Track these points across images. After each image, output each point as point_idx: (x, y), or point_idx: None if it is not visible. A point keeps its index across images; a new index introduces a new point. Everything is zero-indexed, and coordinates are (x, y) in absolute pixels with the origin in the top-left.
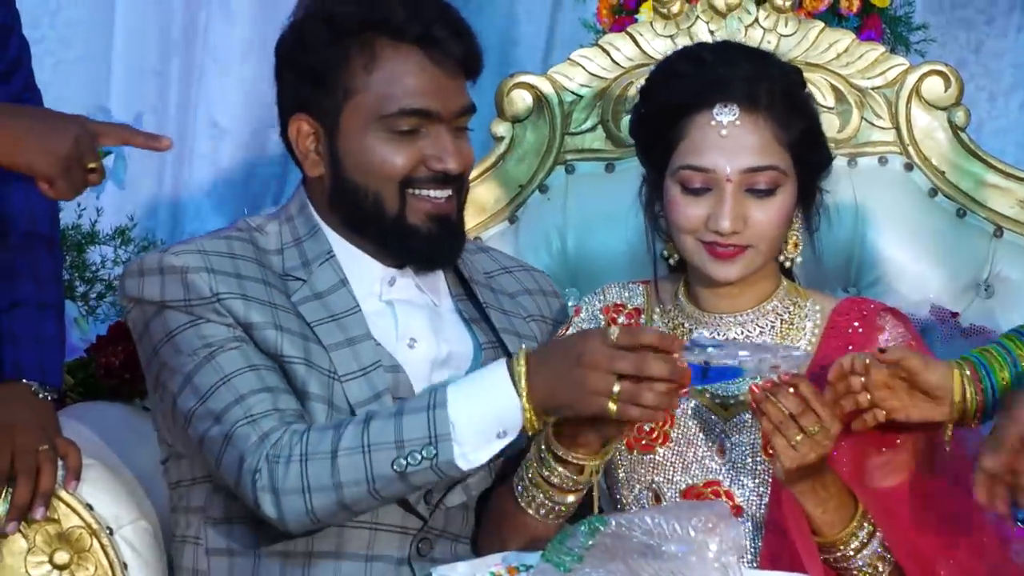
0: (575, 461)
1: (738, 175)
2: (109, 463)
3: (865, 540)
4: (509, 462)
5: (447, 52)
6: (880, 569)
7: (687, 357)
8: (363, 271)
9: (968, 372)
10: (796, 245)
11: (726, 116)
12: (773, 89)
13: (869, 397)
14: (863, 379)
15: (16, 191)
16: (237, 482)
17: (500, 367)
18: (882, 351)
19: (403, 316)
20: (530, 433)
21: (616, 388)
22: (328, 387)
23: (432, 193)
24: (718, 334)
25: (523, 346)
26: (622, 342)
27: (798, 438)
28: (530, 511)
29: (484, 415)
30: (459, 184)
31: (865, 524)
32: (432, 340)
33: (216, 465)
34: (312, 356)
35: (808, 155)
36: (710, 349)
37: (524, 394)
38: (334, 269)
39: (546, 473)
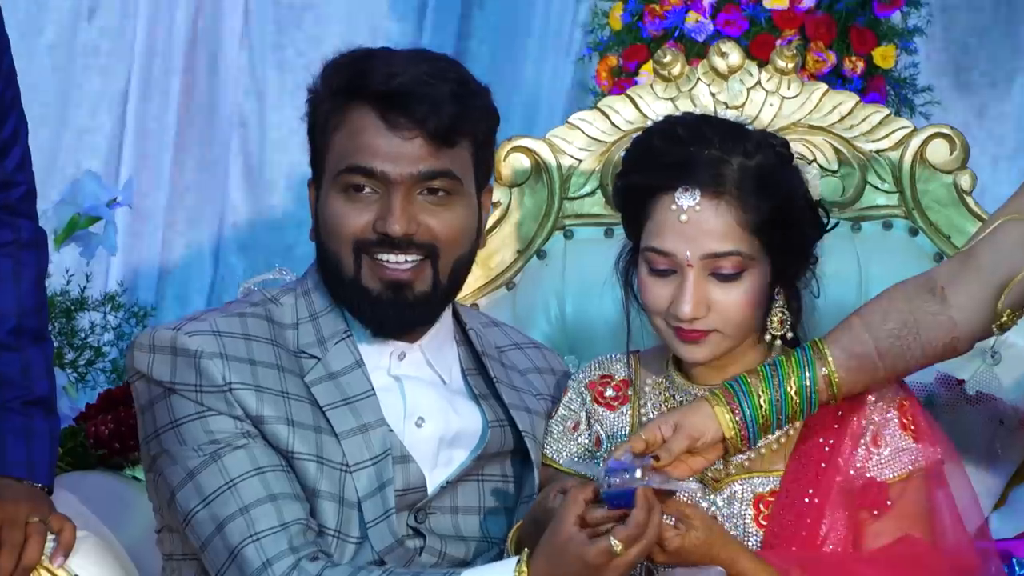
0: None
1: (699, 260)
2: (98, 534)
3: None
4: None
5: (404, 113)
6: None
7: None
8: (374, 346)
9: (725, 401)
10: (782, 322)
11: (687, 201)
12: (744, 168)
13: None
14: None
15: (4, 290)
16: None
17: (508, 571)
18: (655, 458)
19: (411, 393)
20: None
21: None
22: (339, 482)
23: (386, 257)
24: None
25: (525, 558)
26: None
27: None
28: None
29: None
30: (428, 253)
31: None
32: (440, 419)
33: None
34: (324, 451)
35: (779, 238)
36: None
37: None
38: (350, 349)
39: None
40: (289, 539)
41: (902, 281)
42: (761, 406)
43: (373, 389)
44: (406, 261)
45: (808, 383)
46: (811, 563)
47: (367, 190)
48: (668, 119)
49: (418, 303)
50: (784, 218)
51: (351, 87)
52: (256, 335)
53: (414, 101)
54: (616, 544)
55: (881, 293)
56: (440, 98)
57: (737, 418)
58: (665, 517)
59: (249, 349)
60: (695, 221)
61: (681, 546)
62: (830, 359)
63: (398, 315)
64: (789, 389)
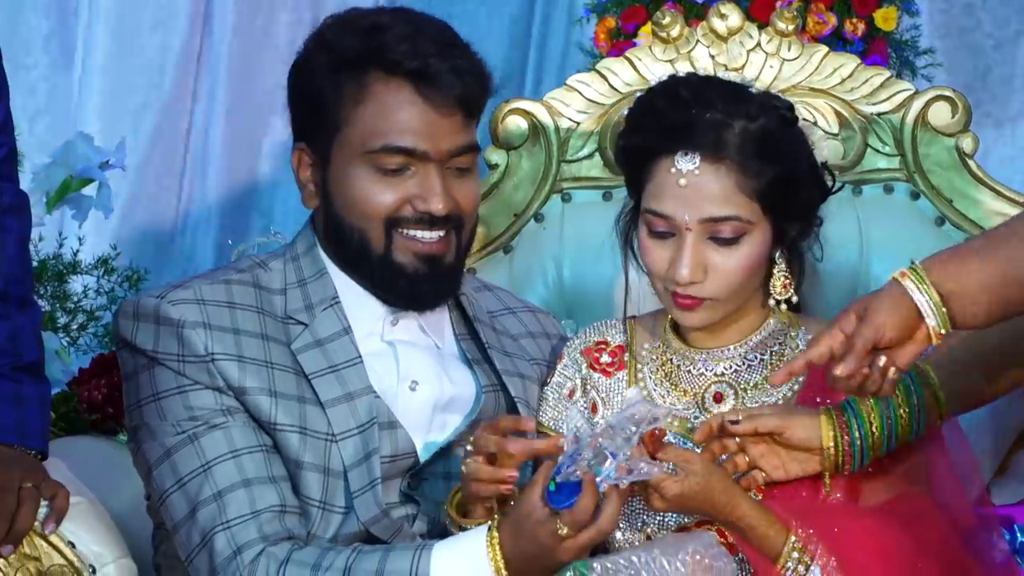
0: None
1: (697, 224)
2: (91, 500)
3: (802, 572)
4: None
5: (441, 88)
6: None
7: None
8: (366, 311)
9: (835, 418)
10: (786, 286)
11: (686, 165)
12: (746, 132)
13: (747, 459)
14: (736, 440)
15: None
16: None
17: (480, 543)
18: (733, 422)
19: (405, 358)
20: None
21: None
22: (323, 452)
23: (420, 234)
24: (707, 369)
25: (495, 525)
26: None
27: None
28: None
29: None
30: (456, 224)
31: (793, 559)
32: (435, 383)
33: (186, 560)
34: (307, 421)
35: (781, 202)
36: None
37: None
38: (338, 316)
39: None
40: (259, 526)
41: None
42: (872, 424)
43: (360, 356)
44: (438, 235)
45: (916, 401)
46: (811, 514)
47: (408, 169)
48: (672, 78)
49: (450, 274)
50: (786, 182)
51: (371, 59)
52: (241, 303)
53: (451, 78)
54: (561, 527)
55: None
56: (470, 73)
57: (843, 440)
58: (666, 466)
59: (233, 318)
60: (694, 185)
61: (680, 492)
62: (934, 379)
63: (435, 288)
64: (900, 411)
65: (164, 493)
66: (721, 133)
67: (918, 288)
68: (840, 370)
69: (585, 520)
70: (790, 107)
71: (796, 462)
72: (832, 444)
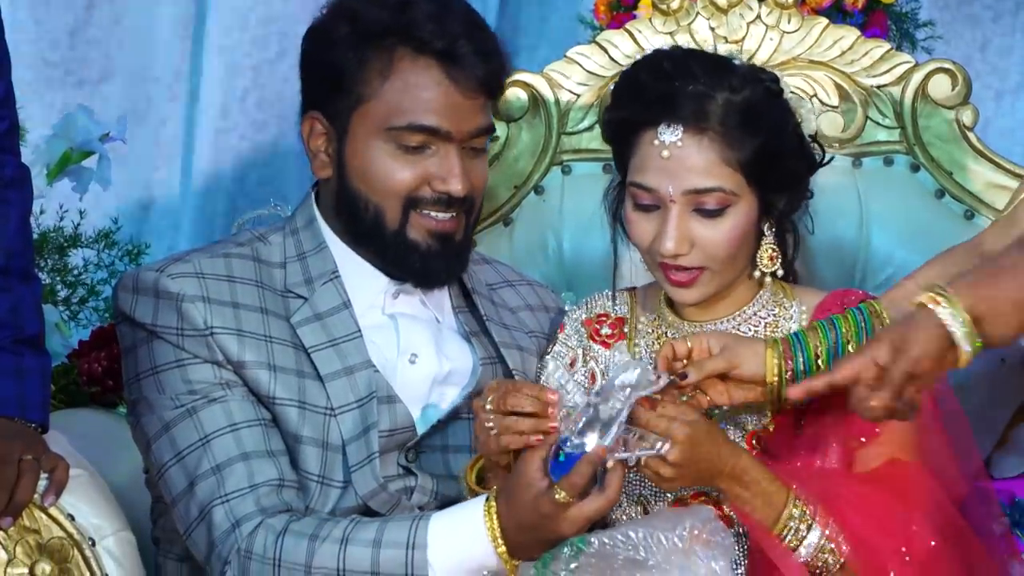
0: None
1: (681, 196)
2: (91, 473)
3: (803, 532)
4: None
5: (467, 70)
6: (830, 562)
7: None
8: (367, 284)
9: (782, 349)
10: (772, 259)
11: (669, 136)
12: (728, 103)
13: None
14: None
15: None
16: (206, 561)
17: (477, 513)
18: (683, 376)
19: (405, 331)
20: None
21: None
22: (322, 426)
23: (436, 214)
24: None
25: (493, 496)
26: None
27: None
28: None
29: (464, 563)
30: (468, 205)
31: (795, 517)
32: (434, 356)
33: (184, 533)
34: (306, 395)
35: (766, 173)
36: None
37: (503, 553)
38: (337, 290)
39: None
40: (257, 499)
41: (952, 247)
42: (818, 356)
43: (359, 330)
44: (451, 215)
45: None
46: (807, 478)
47: (429, 147)
48: (656, 52)
49: (460, 252)
50: (771, 153)
51: (400, 35)
52: (241, 277)
53: (477, 60)
54: (559, 492)
55: (933, 258)
56: (495, 55)
57: (787, 367)
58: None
59: (232, 292)
60: (677, 157)
61: (688, 436)
62: (887, 319)
63: (447, 266)
64: (848, 347)
65: (163, 467)
66: (703, 104)
67: (952, 316)
68: (876, 402)
69: (581, 484)
70: (775, 79)
71: (740, 390)
72: (776, 378)
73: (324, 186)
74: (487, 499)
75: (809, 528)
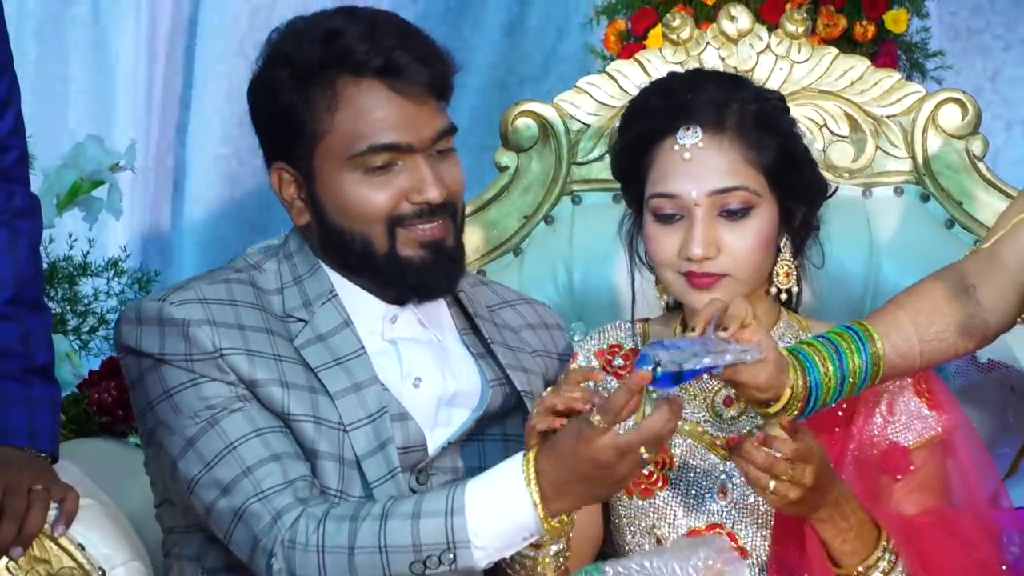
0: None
1: (705, 198)
2: (102, 502)
3: (887, 569)
4: None
5: (411, 78)
6: None
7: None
8: (364, 310)
9: (796, 364)
10: (788, 275)
11: (689, 139)
12: (743, 110)
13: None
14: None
15: (1, 261)
16: (250, 560)
17: (515, 462)
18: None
19: (407, 355)
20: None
21: (646, 455)
22: (338, 442)
23: (421, 225)
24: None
25: (532, 455)
26: (610, 419)
27: (772, 484)
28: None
29: (503, 523)
30: (451, 209)
31: (887, 553)
32: (438, 378)
33: (226, 539)
34: (320, 411)
35: (786, 177)
36: (663, 356)
37: (542, 512)
38: (337, 309)
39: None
40: (295, 492)
41: (936, 275)
42: (827, 375)
43: (363, 348)
44: (437, 222)
45: (864, 361)
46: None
47: (396, 164)
48: (660, 79)
49: (454, 257)
50: (790, 155)
51: (336, 64)
52: (243, 300)
53: (418, 67)
54: (596, 418)
55: (921, 287)
56: (434, 57)
57: (801, 383)
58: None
59: (237, 314)
60: (699, 158)
61: (808, 448)
62: (879, 344)
63: (444, 274)
64: (851, 365)
65: (192, 481)
66: (719, 110)
67: None
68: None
69: (616, 409)
70: (781, 98)
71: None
72: (792, 388)
73: (307, 231)
74: (524, 455)
75: (892, 565)
